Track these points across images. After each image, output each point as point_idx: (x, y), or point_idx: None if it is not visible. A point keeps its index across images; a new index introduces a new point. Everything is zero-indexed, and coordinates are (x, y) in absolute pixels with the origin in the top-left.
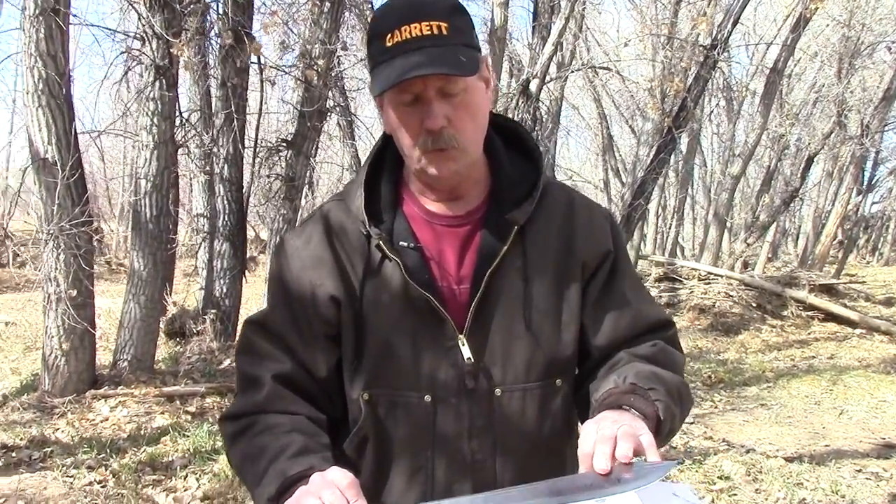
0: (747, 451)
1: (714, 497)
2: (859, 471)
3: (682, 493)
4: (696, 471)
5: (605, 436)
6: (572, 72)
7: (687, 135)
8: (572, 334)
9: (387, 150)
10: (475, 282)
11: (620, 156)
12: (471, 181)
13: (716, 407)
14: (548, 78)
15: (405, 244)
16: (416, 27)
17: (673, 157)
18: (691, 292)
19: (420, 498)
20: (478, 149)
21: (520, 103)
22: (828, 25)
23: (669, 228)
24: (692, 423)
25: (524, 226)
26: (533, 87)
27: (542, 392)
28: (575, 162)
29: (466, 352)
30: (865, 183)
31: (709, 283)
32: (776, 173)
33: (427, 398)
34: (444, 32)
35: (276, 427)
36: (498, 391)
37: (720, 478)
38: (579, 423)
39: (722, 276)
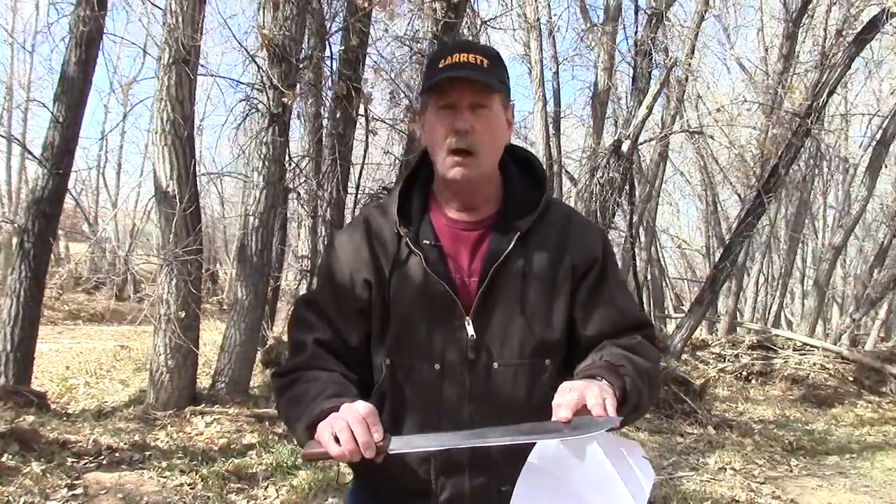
0: None
1: None
2: None
3: (632, 453)
4: None
5: (573, 393)
6: (666, 134)
7: (792, 204)
8: (560, 322)
9: (421, 169)
10: (482, 275)
11: (726, 222)
12: (484, 194)
13: (791, 471)
14: (641, 140)
15: (428, 242)
16: (465, 56)
17: (782, 227)
18: (785, 362)
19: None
20: (492, 163)
21: (610, 162)
22: None
23: (774, 298)
24: (763, 483)
25: (526, 233)
26: (624, 147)
27: (533, 368)
28: (685, 230)
29: (471, 330)
30: None
31: (804, 355)
32: (890, 249)
33: (437, 366)
34: (485, 66)
35: (316, 379)
36: (496, 365)
37: None
38: None
39: (818, 348)
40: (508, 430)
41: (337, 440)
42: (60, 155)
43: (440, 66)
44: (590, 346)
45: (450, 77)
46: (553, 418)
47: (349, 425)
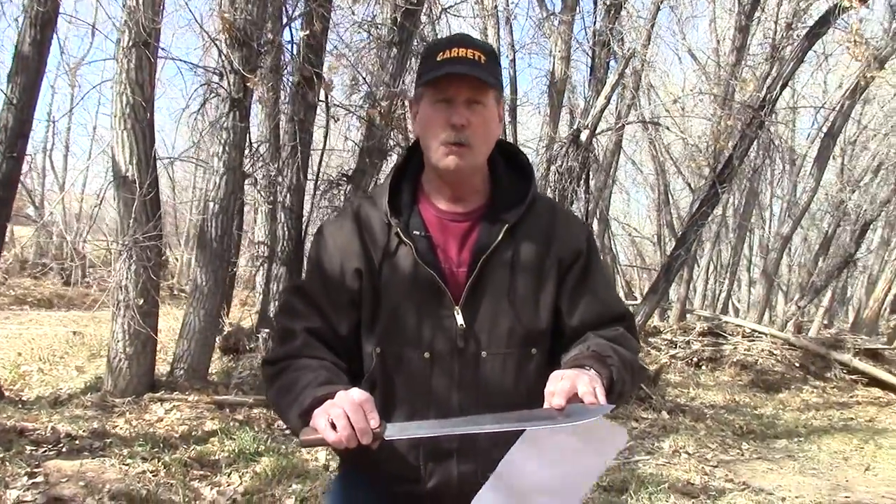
0: (764, 493)
1: None
2: None
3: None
4: None
5: (565, 381)
6: (622, 125)
7: (741, 194)
8: (547, 313)
9: (410, 162)
10: (471, 266)
11: (677, 211)
12: (474, 186)
13: (742, 455)
14: (599, 129)
15: (417, 233)
16: (463, 51)
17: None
18: (734, 348)
19: None
20: (483, 155)
21: (570, 151)
22: (894, 95)
23: (722, 285)
24: (716, 467)
25: (514, 225)
26: (583, 137)
27: (520, 358)
28: (635, 218)
29: (460, 320)
30: None
31: (753, 341)
32: (834, 239)
33: (426, 355)
34: (482, 62)
35: (307, 367)
36: (484, 353)
37: None
38: None
39: (766, 335)
40: (502, 418)
41: (333, 427)
42: (14, 138)
43: (438, 59)
44: (574, 336)
45: (449, 73)
46: (546, 405)
47: (346, 412)
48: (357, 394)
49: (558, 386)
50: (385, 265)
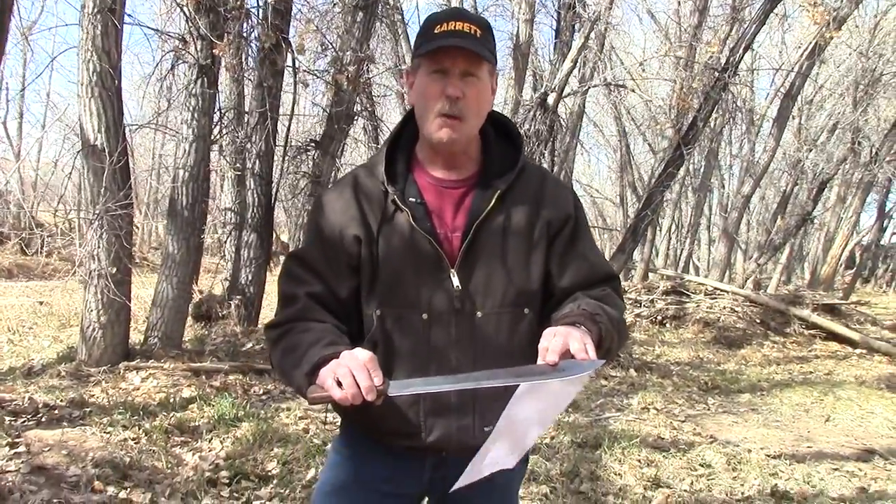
0: (731, 445)
1: (693, 480)
2: (836, 469)
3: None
4: (680, 458)
5: (558, 338)
6: (588, 88)
7: (702, 155)
8: (538, 274)
9: (404, 130)
10: (466, 231)
11: (639, 173)
12: (466, 155)
13: (708, 409)
14: (565, 92)
15: (413, 200)
16: (459, 24)
17: (690, 176)
18: (697, 306)
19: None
20: (476, 126)
21: (537, 115)
22: (849, 55)
23: (683, 245)
24: (683, 422)
25: (505, 192)
26: (550, 100)
27: (513, 317)
28: (596, 179)
29: (456, 281)
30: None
31: (715, 299)
32: (792, 197)
33: (424, 316)
34: (478, 35)
35: (309, 329)
36: (479, 314)
37: (701, 465)
38: None
39: (728, 292)
40: (500, 373)
41: (339, 384)
42: None
43: (436, 31)
44: (563, 296)
45: (446, 45)
46: (539, 361)
47: (351, 371)
48: (361, 353)
49: (552, 343)
50: (383, 231)
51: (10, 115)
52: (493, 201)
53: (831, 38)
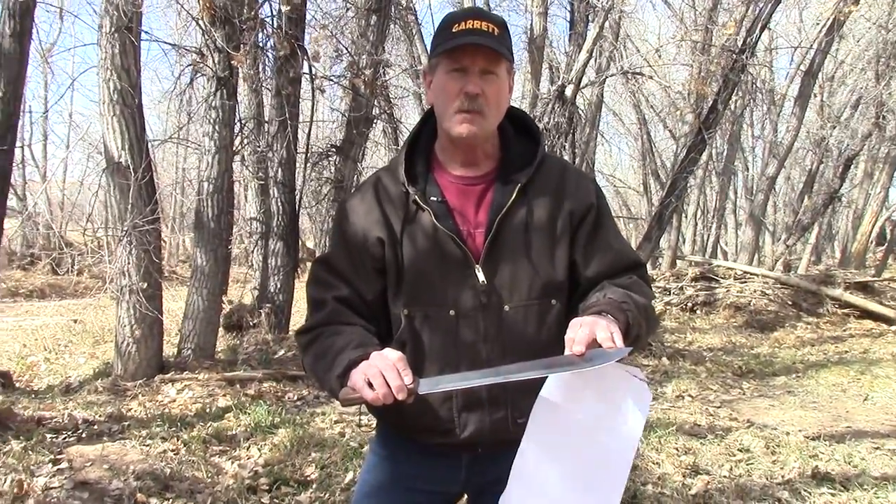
0: (769, 429)
1: (732, 466)
2: (877, 448)
3: (632, 382)
4: (718, 444)
5: (584, 328)
6: (606, 77)
7: (724, 138)
8: (563, 265)
9: (423, 131)
10: (488, 226)
11: (661, 160)
12: (485, 152)
13: (743, 394)
14: (583, 84)
15: (435, 199)
16: (478, 23)
17: (713, 161)
18: (727, 291)
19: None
20: (495, 122)
21: (556, 108)
22: (869, 29)
23: (709, 230)
24: (719, 407)
25: (526, 185)
26: (568, 92)
27: (540, 308)
28: (619, 169)
29: (481, 277)
30: None
31: (745, 283)
32: (818, 176)
33: (451, 312)
34: (496, 34)
35: (339, 333)
36: (506, 307)
37: (740, 450)
38: None
39: (758, 276)
40: (528, 366)
41: (371, 385)
42: (3, 131)
43: (454, 30)
44: (590, 286)
45: (465, 43)
46: (566, 352)
47: (381, 371)
48: (391, 353)
49: (578, 333)
50: (406, 232)
51: (34, 137)
52: (514, 195)
53: (850, 12)
